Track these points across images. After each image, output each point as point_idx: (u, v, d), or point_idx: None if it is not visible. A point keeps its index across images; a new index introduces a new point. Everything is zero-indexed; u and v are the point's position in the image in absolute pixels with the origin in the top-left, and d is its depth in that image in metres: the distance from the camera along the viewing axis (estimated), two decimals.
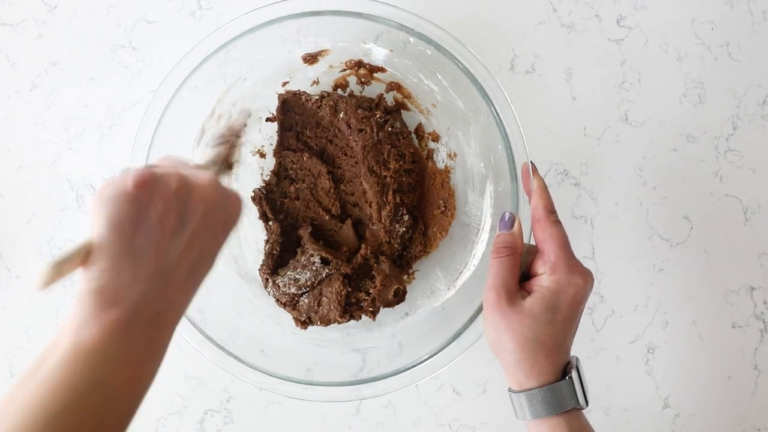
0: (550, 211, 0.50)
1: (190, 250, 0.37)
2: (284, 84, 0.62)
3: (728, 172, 0.66)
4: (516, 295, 0.47)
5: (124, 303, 0.34)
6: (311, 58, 0.61)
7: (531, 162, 0.53)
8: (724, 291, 0.66)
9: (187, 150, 0.60)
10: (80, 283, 0.34)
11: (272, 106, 0.63)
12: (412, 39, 0.56)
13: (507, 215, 0.52)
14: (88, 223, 0.35)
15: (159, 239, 0.35)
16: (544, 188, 0.51)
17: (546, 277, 0.47)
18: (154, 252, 0.35)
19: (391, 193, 0.60)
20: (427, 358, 0.56)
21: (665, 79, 0.67)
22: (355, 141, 0.60)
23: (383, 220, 0.60)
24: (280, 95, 0.62)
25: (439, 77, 0.59)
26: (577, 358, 0.48)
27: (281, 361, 0.58)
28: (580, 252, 0.66)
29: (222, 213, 0.39)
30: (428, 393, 0.66)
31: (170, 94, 0.56)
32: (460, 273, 0.61)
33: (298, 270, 0.59)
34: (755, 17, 0.67)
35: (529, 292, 0.48)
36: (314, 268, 0.59)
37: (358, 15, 0.55)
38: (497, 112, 0.55)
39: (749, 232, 0.66)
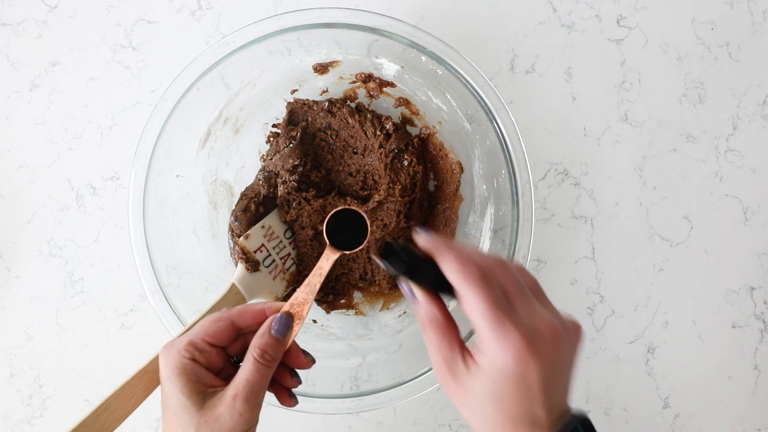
0: (465, 274, 0.39)
1: None
2: (293, 92, 0.62)
3: (728, 172, 0.66)
4: (459, 367, 0.40)
5: None
6: (322, 68, 0.61)
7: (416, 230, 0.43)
8: (724, 291, 0.66)
9: (191, 152, 0.60)
10: None
11: (279, 113, 0.63)
12: (424, 57, 0.55)
13: (405, 288, 0.42)
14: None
15: None
16: (445, 245, 0.40)
17: (478, 352, 0.39)
18: None
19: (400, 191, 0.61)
20: (427, 371, 0.56)
21: (665, 79, 0.67)
22: (373, 142, 0.61)
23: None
24: (288, 103, 0.62)
25: (448, 97, 0.59)
26: (575, 425, 0.39)
27: None
28: (580, 252, 0.66)
29: None
30: (428, 393, 0.66)
31: (177, 97, 0.55)
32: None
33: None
34: (755, 17, 0.67)
35: (472, 363, 0.39)
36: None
37: (372, 30, 0.54)
38: (504, 138, 0.55)
39: (749, 232, 0.66)
